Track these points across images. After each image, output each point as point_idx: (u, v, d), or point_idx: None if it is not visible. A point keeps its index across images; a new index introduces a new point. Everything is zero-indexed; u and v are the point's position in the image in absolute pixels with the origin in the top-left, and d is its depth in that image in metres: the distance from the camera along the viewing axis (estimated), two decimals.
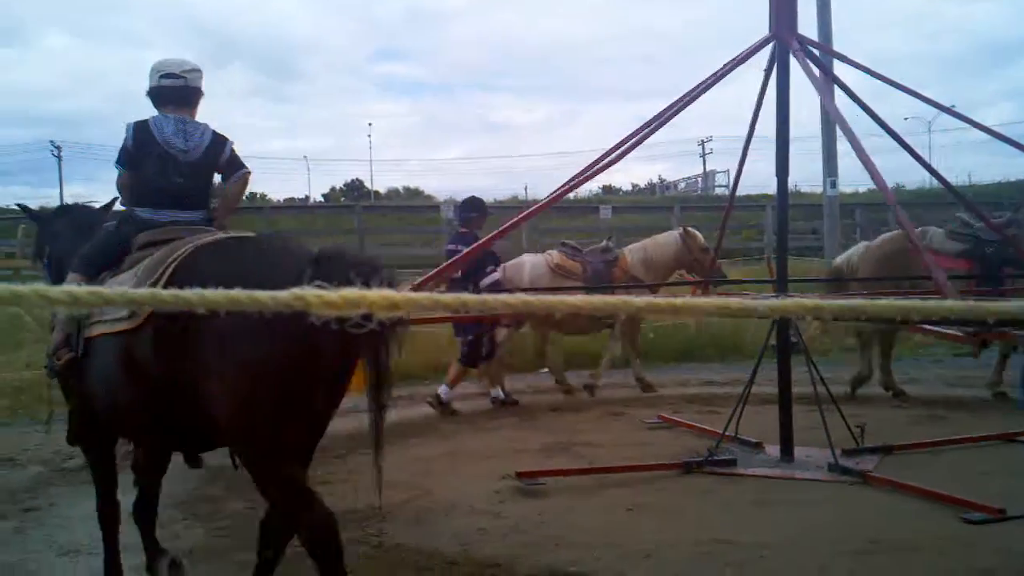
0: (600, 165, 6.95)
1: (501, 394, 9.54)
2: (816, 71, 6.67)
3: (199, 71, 4.78)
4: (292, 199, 50.35)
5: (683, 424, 8.00)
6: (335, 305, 1.02)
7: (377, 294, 1.03)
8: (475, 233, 9.24)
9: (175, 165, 4.45)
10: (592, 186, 42.34)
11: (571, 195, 9.85)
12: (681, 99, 6.86)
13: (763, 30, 6.72)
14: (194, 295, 0.99)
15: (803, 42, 6.61)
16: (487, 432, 8.22)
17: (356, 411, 8.91)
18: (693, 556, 4.89)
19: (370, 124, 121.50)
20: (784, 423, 6.73)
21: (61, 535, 5.64)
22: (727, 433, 6.88)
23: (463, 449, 7.52)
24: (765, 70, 6.76)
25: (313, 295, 1.01)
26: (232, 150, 4.70)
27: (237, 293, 1.00)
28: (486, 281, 9.06)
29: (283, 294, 1.02)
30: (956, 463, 6.56)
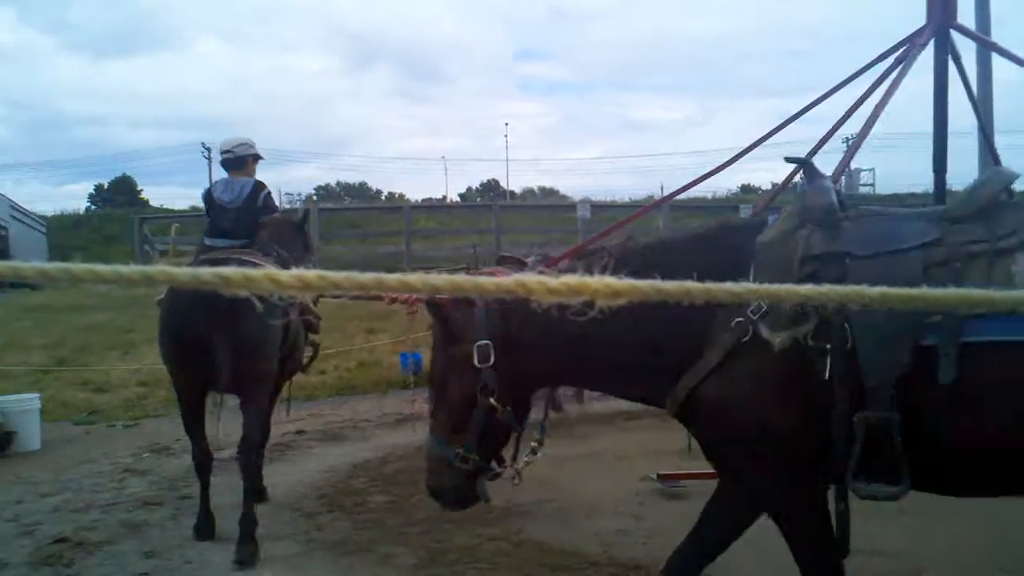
0: (725, 163, 6.78)
1: None
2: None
3: (246, 143, 6.72)
4: (430, 198, 51.34)
5: None
6: (557, 292, 1.00)
7: (600, 281, 1.01)
8: None
9: (223, 211, 6.49)
10: (731, 185, 41.50)
11: (709, 195, 9.62)
12: (824, 95, 6.61)
13: (916, 21, 6.42)
14: (417, 279, 1.01)
15: (962, 30, 6.30)
16: (624, 433, 8.16)
17: None
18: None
19: (507, 124, 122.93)
20: None
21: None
22: None
23: (600, 450, 7.50)
24: (907, 57, 6.43)
25: (535, 281, 1.00)
26: (265, 196, 6.62)
27: (460, 278, 1.04)
28: None
29: (507, 280, 1.03)
30: None
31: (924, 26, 6.32)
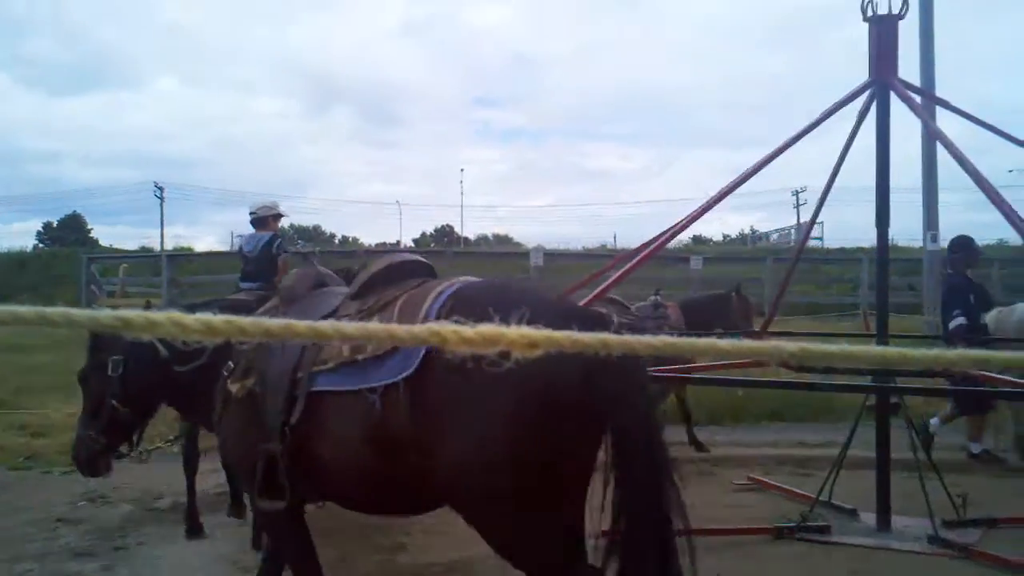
0: (681, 222, 6.91)
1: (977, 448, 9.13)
2: (917, 108, 6.50)
3: (267, 206, 8.73)
4: (384, 243, 51.18)
5: (774, 487, 7.76)
6: (471, 342, 0.99)
7: (516, 331, 0.99)
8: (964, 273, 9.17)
9: (247, 260, 8.45)
10: (684, 235, 41.83)
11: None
12: (777, 150, 6.74)
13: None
14: (329, 326, 1.00)
15: (904, 86, 6.46)
16: None
17: None
18: None
19: (462, 170, 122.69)
20: (881, 490, 6.47)
21: (147, 575, 5.73)
22: (821, 498, 6.66)
23: None
24: (860, 112, 6.61)
25: (450, 330, 0.99)
26: (278, 243, 8.43)
27: (373, 326, 1.03)
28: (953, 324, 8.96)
29: (420, 329, 1.01)
30: None
31: (866, 81, 6.50)
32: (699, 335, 9.84)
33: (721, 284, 14.52)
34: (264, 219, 8.53)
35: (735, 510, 7.07)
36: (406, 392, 3.12)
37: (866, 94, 6.55)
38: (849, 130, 6.74)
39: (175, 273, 23.27)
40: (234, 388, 3.75)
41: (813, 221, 8.70)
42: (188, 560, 6.04)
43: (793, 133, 6.68)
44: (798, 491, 7.32)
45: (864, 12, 6.56)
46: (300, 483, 3.60)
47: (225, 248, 39.00)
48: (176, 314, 1.01)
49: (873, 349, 1.40)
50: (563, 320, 2.79)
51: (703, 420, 10.69)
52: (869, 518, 6.58)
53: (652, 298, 10.09)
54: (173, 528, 6.68)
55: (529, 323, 2.74)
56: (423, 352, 3.07)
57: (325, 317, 3.63)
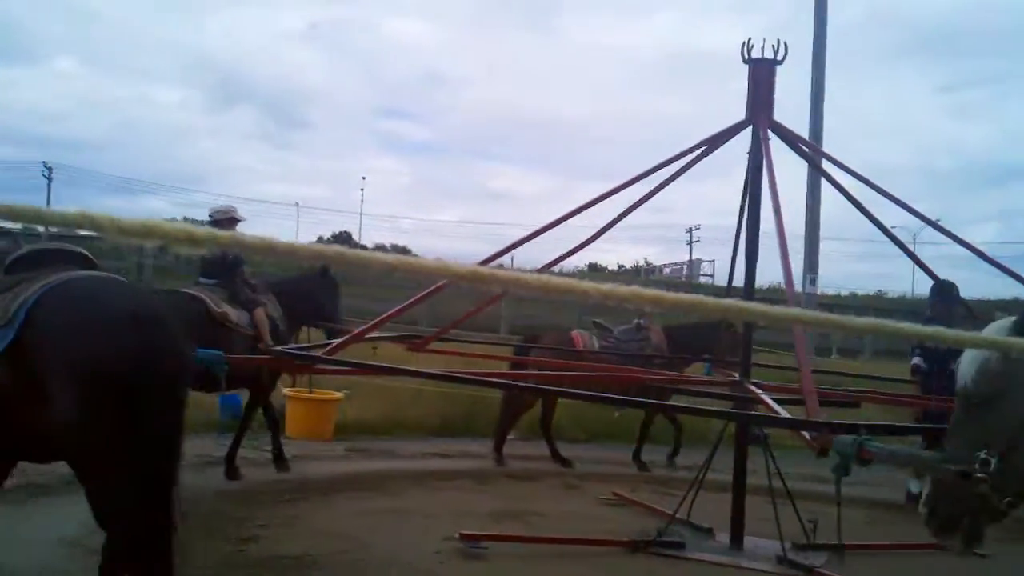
0: (581, 245, 7.08)
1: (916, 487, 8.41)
2: (800, 147, 6.72)
3: (223, 210, 8.78)
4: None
5: (637, 503, 7.87)
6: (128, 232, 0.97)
7: (178, 226, 0.98)
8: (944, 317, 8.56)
9: (203, 259, 8.40)
10: (579, 262, 42.33)
11: (556, 269, 9.84)
12: (659, 185, 6.94)
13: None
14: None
15: (778, 129, 6.67)
16: (435, 492, 8.06)
17: (311, 458, 8.86)
18: None
19: (364, 178, 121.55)
20: (736, 511, 6.62)
21: None
22: (680, 516, 6.77)
23: (410, 507, 7.35)
24: (748, 153, 6.80)
25: (105, 217, 0.96)
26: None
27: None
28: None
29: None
30: (907, 568, 6.45)
31: (740, 122, 6.68)
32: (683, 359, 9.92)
33: (609, 312, 14.67)
34: (220, 222, 8.53)
35: (597, 522, 7.14)
36: None
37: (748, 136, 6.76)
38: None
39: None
40: None
41: (732, 261, 8.58)
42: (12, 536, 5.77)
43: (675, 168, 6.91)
44: (659, 508, 7.43)
45: (743, 55, 6.77)
46: None
47: None
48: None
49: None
50: (140, 311, 3.62)
51: (580, 437, 10.80)
52: (724, 538, 6.72)
53: (636, 321, 10.13)
54: (17, 509, 6.38)
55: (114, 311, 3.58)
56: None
57: None
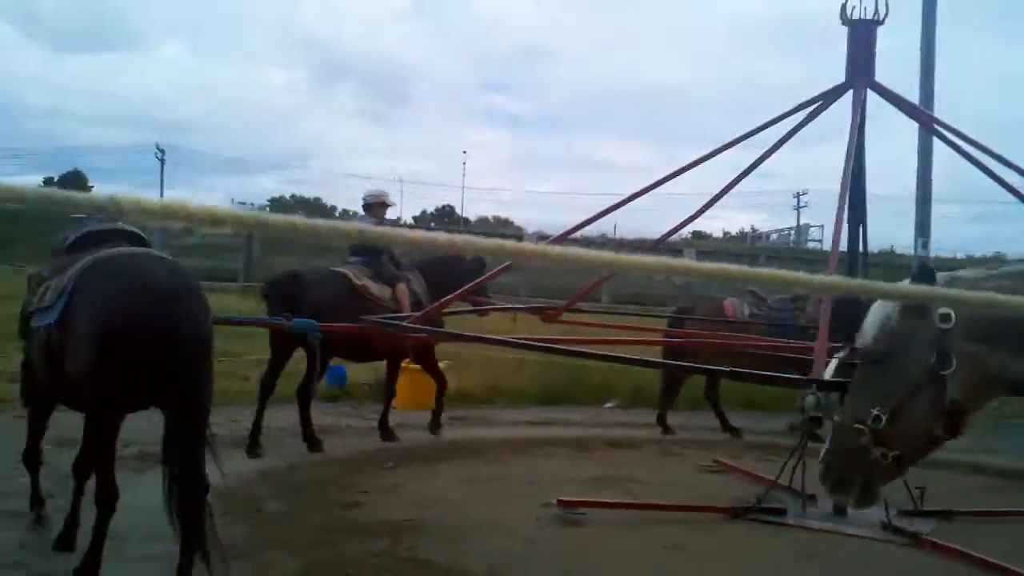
0: (697, 212, 7.07)
1: None
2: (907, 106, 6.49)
3: (375, 194, 9.29)
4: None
5: (738, 470, 7.79)
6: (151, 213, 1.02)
7: (199, 206, 1.02)
8: None
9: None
10: (684, 231, 41.63)
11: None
12: (766, 152, 6.83)
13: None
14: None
15: (879, 90, 6.47)
16: (537, 459, 8.14)
17: (413, 427, 9.02)
18: None
19: (464, 152, 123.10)
20: None
21: None
22: (781, 482, 6.68)
23: (510, 475, 7.45)
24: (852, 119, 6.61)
25: (129, 200, 1.01)
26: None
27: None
28: None
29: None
30: (1016, 534, 6.24)
31: (840, 84, 6.49)
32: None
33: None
34: (371, 206, 9.16)
35: (696, 489, 7.10)
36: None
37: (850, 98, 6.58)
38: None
39: (171, 235, 23.39)
40: None
41: (838, 224, 8.55)
42: (140, 504, 6.05)
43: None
44: (761, 475, 7.34)
45: (842, 16, 6.59)
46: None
47: None
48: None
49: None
50: (161, 285, 4.23)
51: (683, 405, 10.73)
52: (826, 504, 6.60)
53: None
54: (133, 476, 6.69)
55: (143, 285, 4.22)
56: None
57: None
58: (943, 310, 2.70)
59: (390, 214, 10.64)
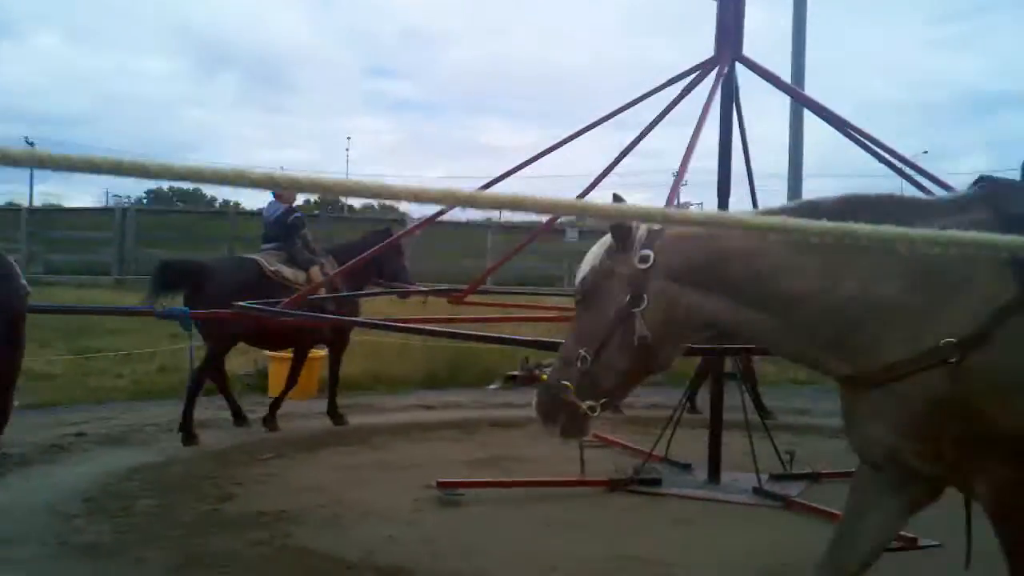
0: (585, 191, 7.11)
1: None
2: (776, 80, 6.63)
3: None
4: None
5: (616, 443, 7.92)
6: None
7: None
8: None
9: (266, 225, 9.07)
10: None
11: (537, 216, 9.83)
12: (643, 131, 6.92)
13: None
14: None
15: (747, 64, 6.60)
16: (418, 444, 8.11)
17: (293, 415, 8.87)
18: (600, 571, 4.80)
19: (348, 138, 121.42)
20: (713, 446, 6.67)
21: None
22: (657, 454, 6.82)
23: (392, 460, 7.39)
24: (710, 90, 6.72)
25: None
26: (294, 216, 8.94)
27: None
28: None
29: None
30: None
31: (712, 57, 6.60)
32: None
33: None
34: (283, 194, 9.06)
35: (576, 464, 7.13)
36: None
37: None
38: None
39: (39, 229, 22.53)
40: None
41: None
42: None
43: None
44: (638, 447, 7.47)
45: None
46: None
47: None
48: None
49: None
50: None
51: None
52: (701, 472, 6.77)
53: None
54: None
55: None
56: None
57: None
58: (644, 251, 2.81)
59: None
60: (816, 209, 2.69)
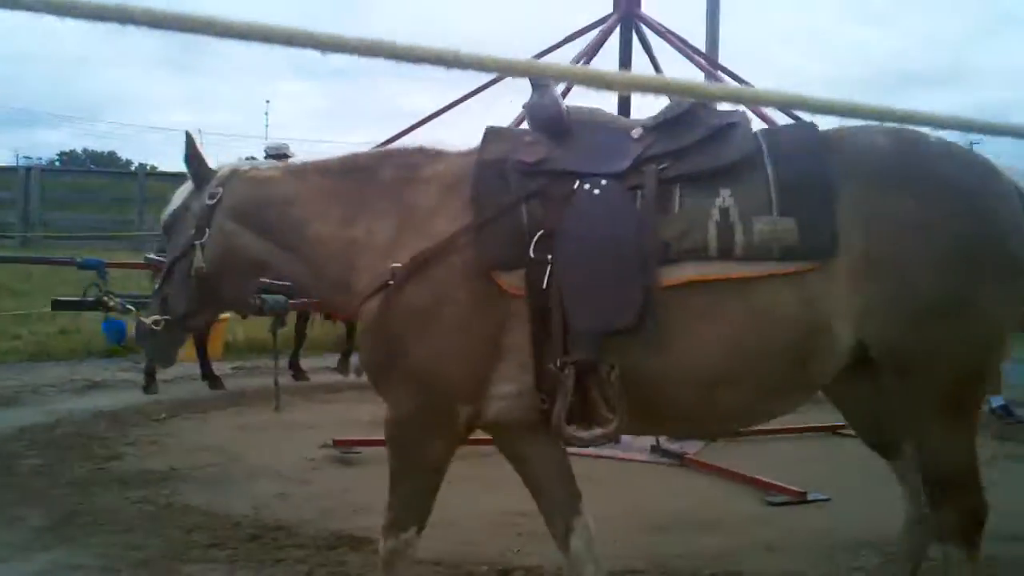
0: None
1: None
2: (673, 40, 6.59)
3: (276, 146, 10.48)
4: (184, 172, 48.79)
5: None
6: None
7: None
8: None
9: None
10: None
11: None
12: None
13: None
14: None
15: (647, 23, 6.56)
16: (320, 404, 8.01)
17: (188, 377, 8.68)
18: (490, 525, 4.80)
19: (267, 102, 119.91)
20: None
21: None
22: None
23: (293, 421, 7.27)
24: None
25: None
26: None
27: None
28: None
29: None
30: (779, 451, 6.61)
31: (610, 14, 6.55)
32: None
33: None
34: (273, 158, 8.99)
35: None
36: None
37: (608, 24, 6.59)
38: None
39: None
40: None
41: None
42: None
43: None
44: None
45: None
46: None
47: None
48: None
49: None
50: None
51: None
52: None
53: None
54: None
55: None
56: None
57: None
58: (214, 188, 3.08)
59: None
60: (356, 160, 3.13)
